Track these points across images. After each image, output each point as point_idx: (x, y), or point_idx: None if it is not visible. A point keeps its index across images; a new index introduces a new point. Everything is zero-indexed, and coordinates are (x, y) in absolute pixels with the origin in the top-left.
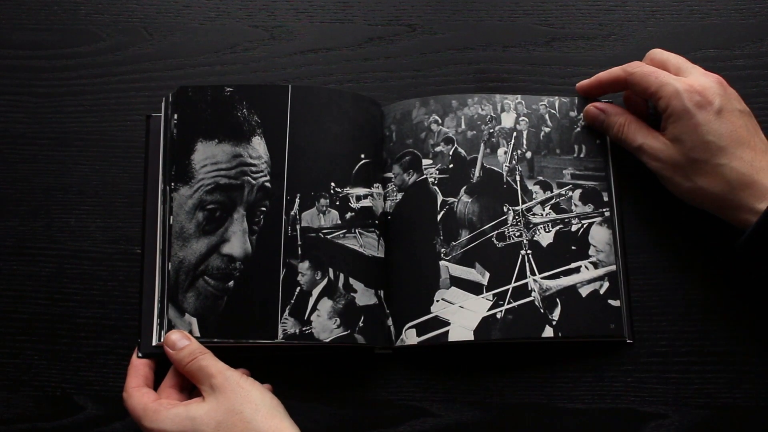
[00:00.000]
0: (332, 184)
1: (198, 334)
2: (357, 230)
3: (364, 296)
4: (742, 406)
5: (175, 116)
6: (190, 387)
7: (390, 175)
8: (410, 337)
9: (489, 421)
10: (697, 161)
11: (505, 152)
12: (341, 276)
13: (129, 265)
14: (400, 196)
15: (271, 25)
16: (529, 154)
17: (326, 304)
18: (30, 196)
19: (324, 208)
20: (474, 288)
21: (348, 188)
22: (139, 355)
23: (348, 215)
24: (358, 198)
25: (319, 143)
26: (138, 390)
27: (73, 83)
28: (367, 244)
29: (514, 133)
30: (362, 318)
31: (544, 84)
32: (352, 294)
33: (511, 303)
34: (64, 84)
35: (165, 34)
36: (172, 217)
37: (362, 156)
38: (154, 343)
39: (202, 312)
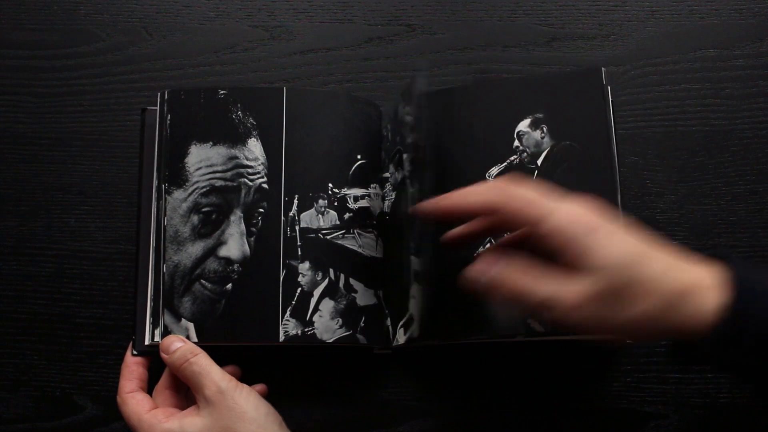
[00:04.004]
0: (330, 185)
1: (196, 339)
2: (356, 231)
3: (365, 296)
4: (742, 406)
5: (169, 117)
6: (187, 388)
7: (387, 174)
8: (401, 336)
9: (489, 421)
10: (627, 285)
11: None
12: (342, 276)
13: (128, 265)
14: (394, 195)
15: (271, 25)
16: None
17: (328, 305)
18: (30, 196)
19: (322, 209)
20: None
21: (345, 189)
22: (134, 352)
23: (346, 216)
24: (356, 198)
25: (315, 145)
26: (132, 397)
27: (73, 83)
28: (366, 244)
29: None
30: (363, 318)
31: None
32: (353, 294)
33: None
34: (64, 84)
35: (165, 34)
36: (166, 218)
37: (358, 157)
38: (146, 341)
39: (200, 316)
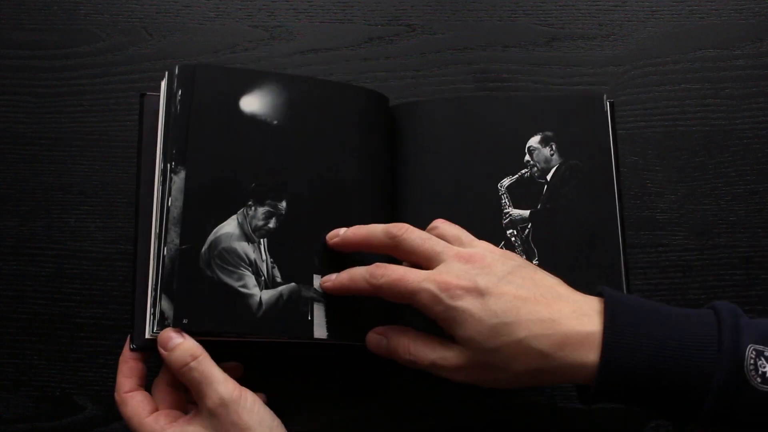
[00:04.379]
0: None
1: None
2: None
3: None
4: None
5: (180, 92)
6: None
7: None
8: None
9: (489, 422)
10: (498, 350)
11: None
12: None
13: (129, 265)
14: None
15: (271, 25)
16: None
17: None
18: (30, 196)
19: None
20: None
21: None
22: (132, 346)
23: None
24: None
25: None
26: (132, 398)
27: (73, 83)
28: None
29: None
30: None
31: (544, 84)
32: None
33: None
34: (64, 84)
35: (165, 34)
36: (170, 199)
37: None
38: (147, 335)
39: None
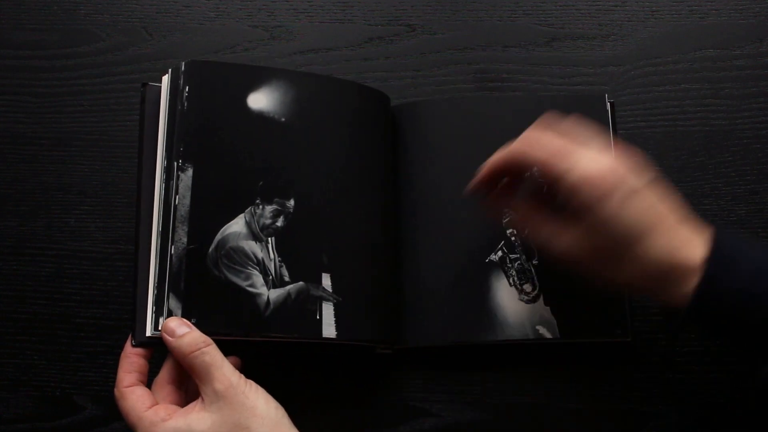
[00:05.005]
0: None
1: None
2: None
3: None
4: (741, 407)
5: (187, 89)
6: (188, 383)
7: None
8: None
9: (489, 421)
10: (610, 256)
11: None
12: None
13: (129, 265)
14: None
15: (271, 25)
16: None
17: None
18: (30, 196)
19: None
20: None
21: None
22: (134, 343)
23: None
24: None
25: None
26: (131, 392)
27: (73, 83)
28: None
29: None
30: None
31: (544, 84)
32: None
33: None
34: (64, 84)
35: (165, 34)
36: (177, 197)
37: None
38: (148, 333)
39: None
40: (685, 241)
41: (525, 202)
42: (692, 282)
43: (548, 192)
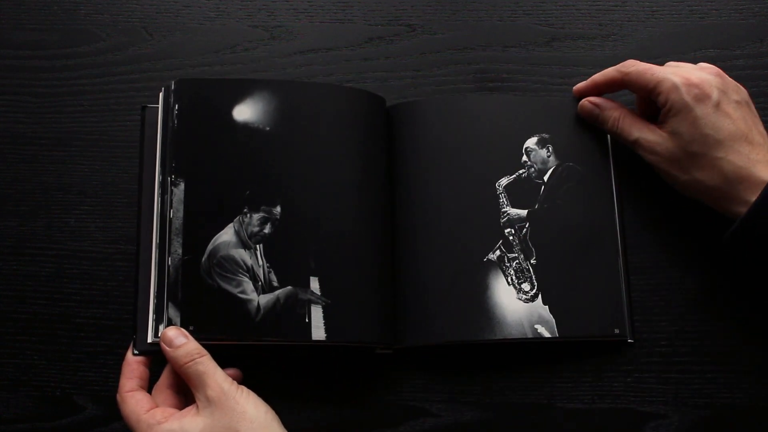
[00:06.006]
0: None
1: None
2: None
3: None
4: (741, 406)
5: (177, 107)
6: (186, 388)
7: None
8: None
9: (489, 421)
10: (694, 155)
11: None
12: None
13: (129, 265)
14: None
15: (271, 25)
16: None
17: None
18: (30, 196)
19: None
20: None
21: None
22: (135, 352)
23: None
24: None
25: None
26: (132, 396)
27: (73, 83)
28: None
29: None
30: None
31: (544, 84)
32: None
33: None
34: (64, 84)
35: (165, 34)
36: (172, 211)
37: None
38: (149, 341)
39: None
40: (762, 160)
41: (621, 105)
42: (753, 198)
43: (643, 100)
